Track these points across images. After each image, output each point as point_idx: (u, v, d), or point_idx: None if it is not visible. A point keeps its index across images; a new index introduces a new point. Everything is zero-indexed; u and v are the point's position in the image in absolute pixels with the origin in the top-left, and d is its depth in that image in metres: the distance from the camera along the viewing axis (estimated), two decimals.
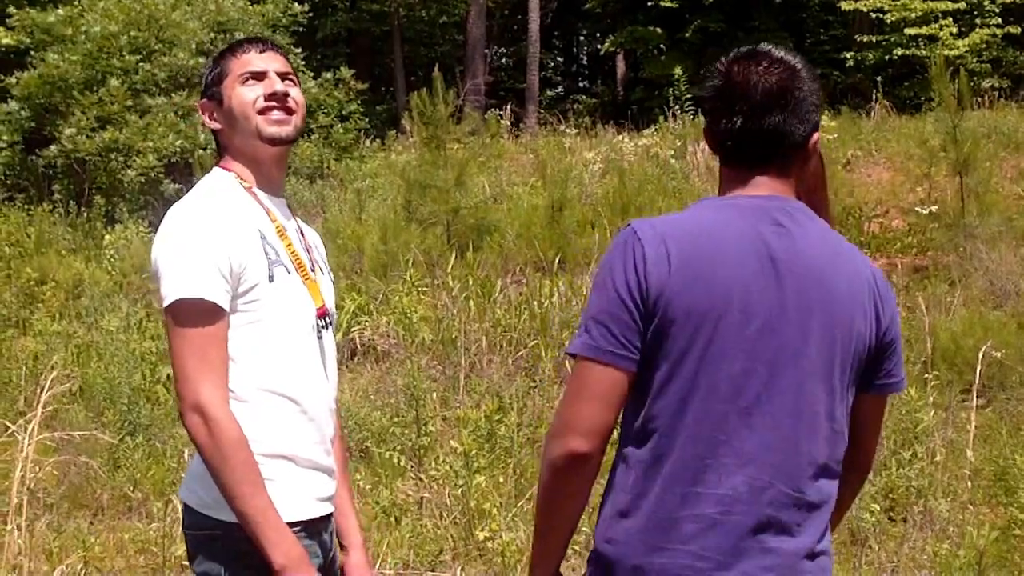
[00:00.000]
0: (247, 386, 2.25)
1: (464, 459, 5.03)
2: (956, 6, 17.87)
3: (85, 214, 12.40)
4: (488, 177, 12.68)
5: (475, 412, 5.63)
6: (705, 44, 20.86)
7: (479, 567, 4.77)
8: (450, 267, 8.97)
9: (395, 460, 5.51)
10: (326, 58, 23.58)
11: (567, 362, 6.48)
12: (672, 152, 13.48)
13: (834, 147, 12.45)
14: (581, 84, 32.65)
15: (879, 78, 17.16)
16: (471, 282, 8.63)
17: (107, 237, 11.24)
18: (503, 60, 31.36)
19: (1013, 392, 6.67)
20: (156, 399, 6.96)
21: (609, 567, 1.93)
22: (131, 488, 5.77)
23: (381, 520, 4.98)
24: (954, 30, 17.53)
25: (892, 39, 18.32)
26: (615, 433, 1.97)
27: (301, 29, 16.91)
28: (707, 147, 2.12)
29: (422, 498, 5.31)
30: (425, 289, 8.32)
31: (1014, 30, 17.95)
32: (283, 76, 2.40)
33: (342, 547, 2.51)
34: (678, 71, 15.49)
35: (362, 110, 16.31)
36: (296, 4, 15.95)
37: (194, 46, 13.65)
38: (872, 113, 15.71)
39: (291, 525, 2.22)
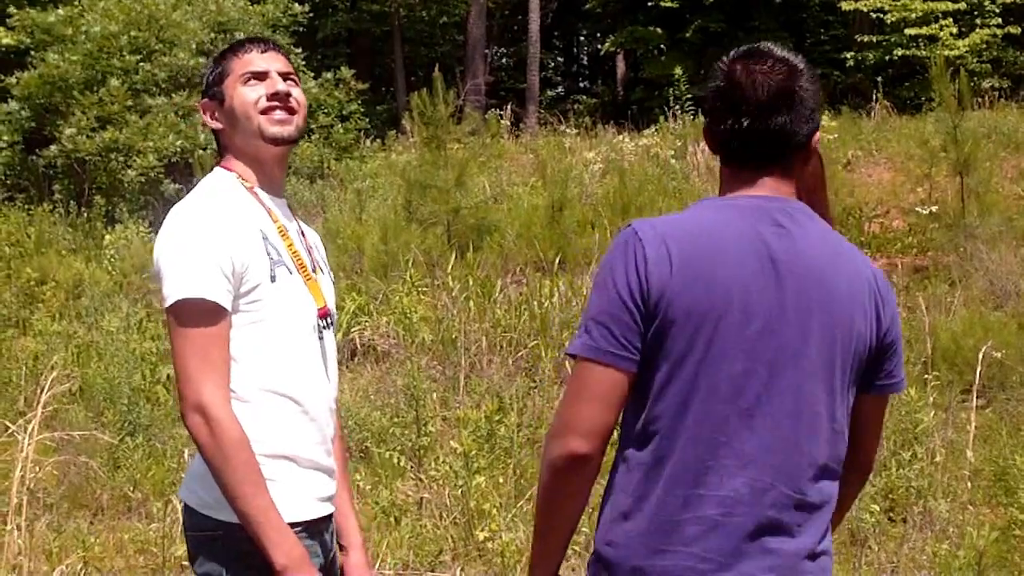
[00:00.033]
0: (249, 386, 2.25)
1: (464, 459, 5.03)
2: (956, 6, 17.87)
3: (85, 214, 12.40)
4: (488, 177, 12.68)
5: (475, 412, 5.63)
6: (705, 44, 20.86)
7: (479, 567, 4.77)
8: (450, 267, 8.97)
9: (395, 460, 5.51)
10: (326, 58, 23.58)
11: (567, 362, 6.48)
12: (672, 152, 13.48)
13: (834, 147, 12.45)
14: (581, 84, 32.65)
15: (879, 78, 17.15)
16: (471, 282, 8.63)
17: (107, 237, 11.24)
18: (503, 60, 31.36)
19: (1013, 392, 6.67)
20: (156, 399, 6.96)
21: (610, 569, 1.93)
22: (131, 488, 5.77)
23: (381, 520, 4.98)
24: (954, 30, 17.53)
25: (892, 39, 18.33)
26: (615, 434, 1.97)
27: (301, 29, 16.92)
28: (707, 147, 2.11)
29: (422, 498, 5.31)
30: (425, 289, 8.32)
31: (1014, 30, 17.95)
32: (285, 76, 2.40)
33: (341, 547, 2.51)
34: (678, 71, 15.49)
35: (362, 110, 16.32)
36: (296, 4, 15.95)
37: (194, 46, 13.65)
38: (872, 113, 15.71)
39: (292, 525, 2.22)
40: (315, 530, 2.33)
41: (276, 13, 15.41)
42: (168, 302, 2.21)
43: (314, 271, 2.42)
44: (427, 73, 12.59)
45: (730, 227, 1.92)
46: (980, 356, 5.60)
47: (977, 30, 17.78)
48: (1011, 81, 17.81)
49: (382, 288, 8.82)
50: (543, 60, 26.94)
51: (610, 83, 28.63)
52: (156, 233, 2.31)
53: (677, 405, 1.88)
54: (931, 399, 5.97)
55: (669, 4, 21.14)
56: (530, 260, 9.81)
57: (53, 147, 12.80)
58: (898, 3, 18.05)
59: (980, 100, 14.54)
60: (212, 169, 2.45)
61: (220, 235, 2.22)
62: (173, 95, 13.24)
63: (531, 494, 5.10)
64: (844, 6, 18.96)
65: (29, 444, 4.43)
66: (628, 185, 11.35)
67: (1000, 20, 18.15)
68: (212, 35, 14.08)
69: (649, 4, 21.59)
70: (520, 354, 7.51)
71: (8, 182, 13.41)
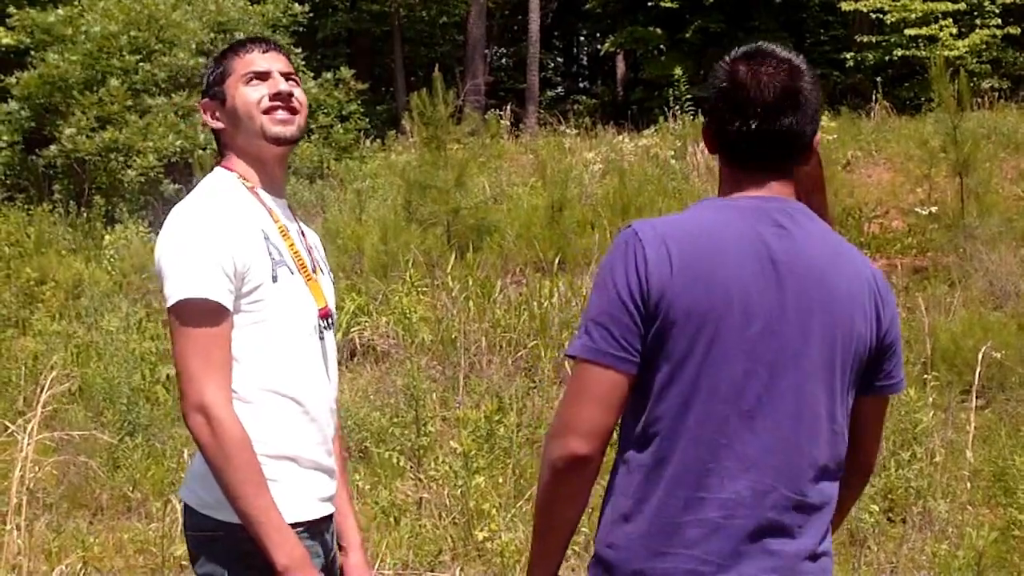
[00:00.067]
0: (250, 386, 2.25)
1: (463, 459, 5.03)
2: (956, 7, 17.88)
3: (85, 214, 12.40)
4: (488, 177, 12.68)
5: (474, 412, 5.64)
6: (705, 44, 20.87)
7: (478, 567, 4.77)
8: (450, 267, 8.97)
9: (394, 460, 5.51)
10: (326, 58, 23.57)
11: (567, 363, 6.48)
12: (672, 153, 13.49)
13: (834, 148, 12.45)
14: (581, 84, 32.66)
15: (879, 79, 17.16)
16: (471, 282, 8.64)
17: (107, 237, 11.24)
18: (503, 60, 31.37)
19: (1013, 393, 6.68)
20: (155, 399, 6.96)
21: (611, 572, 1.92)
22: (130, 488, 5.77)
23: (380, 520, 4.98)
24: (954, 31, 17.54)
25: (892, 40, 18.33)
26: (614, 435, 1.97)
27: (301, 29, 16.91)
28: (705, 147, 2.10)
29: (421, 498, 5.31)
30: (425, 289, 8.32)
31: (1014, 31, 17.96)
32: (286, 76, 2.40)
33: (340, 547, 2.51)
34: (678, 71, 15.49)
35: (362, 110, 16.32)
36: (296, 4, 15.95)
37: (194, 46, 13.65)
38: (872, 114, 15.72)
39: (294, 526, 2.23)
40: (316, 530, 2.33)
41: (276, 13, 15.41)
42: (170, 302, 2.20)
43: (314, 271, 2.42)
44: (427, 73, 12.59)
45: (730, 228, 1.92)
46: (980, 357, 5.60)
47: (977, 31, 17.79)
48: (1011, 82, 17.83)
49: (382, 288, 8.83)
50: (543, 60, 26.95)
51: (610, 83, 28.64)
52: (156, 233, 2.32)
53: (678, 407, 1.88)
54: (930, 399, 5.97)
55: (669, 4, 21.15)
56: (530, 260, 9.82)
57: (53, 147, 12.79)
58: (898, 3, 18.06)
59: (980, 101, 14.54)
60: (212, 169, 2.44)
61: (222, 235, 2.22)
62: (173, 95, 13.23)
63: (530, 494, 5.10)
64: (844, 6, 18.96)
65: (29, 444, 4.43)
66: (628, 185, 11.35)
67: (1000, 21, 18.16)
68: (212, 35, 14.08)
69: (649, 4, 21.60)
70: (520, 354, 7.51)
71: (8, 182, 13.40)
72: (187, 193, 2.38)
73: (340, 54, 25.79)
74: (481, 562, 4.78)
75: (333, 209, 12.18)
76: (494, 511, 4.82)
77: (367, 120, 16.69)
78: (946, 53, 14.36)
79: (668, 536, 1.87)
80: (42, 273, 10.20)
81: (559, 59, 33.83)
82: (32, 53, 13.77)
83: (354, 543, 2.54)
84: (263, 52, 2.40)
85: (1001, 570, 4.50)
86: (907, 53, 17.86)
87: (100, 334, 8.13)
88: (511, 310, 8.22)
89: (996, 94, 16.32)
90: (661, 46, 23.04)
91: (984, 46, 17.66)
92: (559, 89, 30.50)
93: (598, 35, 29.39)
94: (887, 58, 18.46)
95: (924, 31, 17.66)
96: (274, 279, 2.28)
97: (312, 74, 15.91)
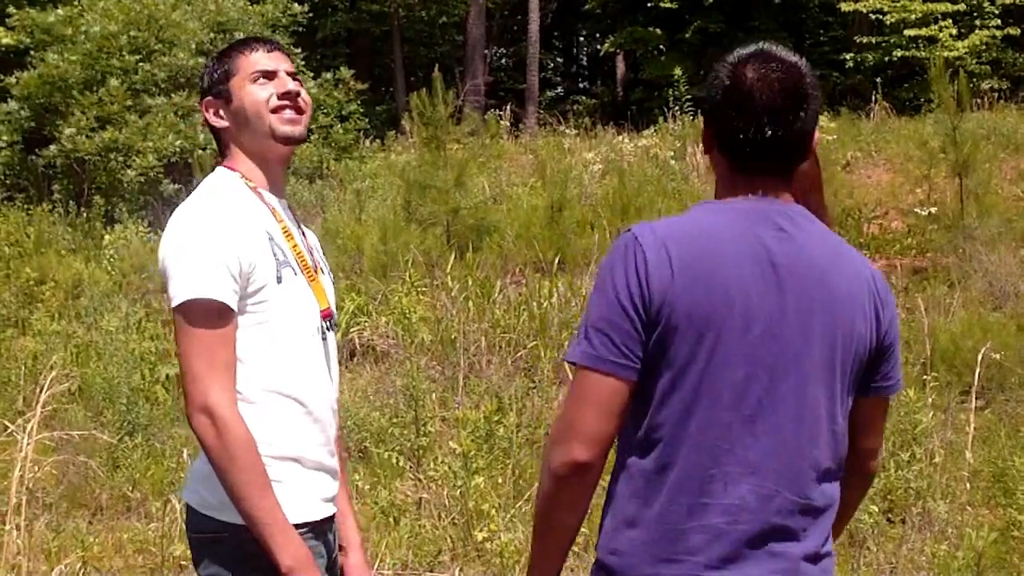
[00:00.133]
0: (254, 387, 2.25)
1: (463, 460, 5.03)
2: (956, 8, 17.89)
3: (85, 214, 12.40)
4: (488, 178, 12.68)
5: (474, 413, 5.64)
6: (705, 45, 20.88)
7: (477, 568, 4.77)
8: (449, 267, 8.97)
9: (394, 460, 5.51)
10: (326, 58, 23.57)
11: (566, 365, 6.48)
12: (672, 153, 13.50)
13: (834, 148, 12.45)
14: (581, 85, 32.66)
15: (879, 79, 17.17)
16: (470, 283, 8.64)
17: (107, 237, 11.23)
18: (503, 60, 31.36)
19: (1012, 394, 6.68)
20: (155, 399, 6.96)
21: None
22: (130, 488, 5.77)
23: (380, 520, 4.98)
24: (954, 31, 17.55)
25: (892, 40, 18.35)
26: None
27: (301, 29, 16.91)
28: (703, 147, 2.08)
29: (421, 499, 5.32)
30: (424, 289, 8.32)
31: (1014, 31, 17.97)
32: (291, 76, 2.40)
33: (340, 548, 2.51)
34: (678, 72, 15.50)
35: (362, 110, 16.32)
36: (296, 4, 15.95)
37: (194, 46, 13.65)
38: (871, 114, 15.73)
39: (298, 526, 2.23)
40: (320, 531, 2.33)
41: (275, 13, 15.40)
42: (175, 302, 2.20)
43: (316, 272, 2.42)
44: (427, 73, 12.59)
45: (729, 230, 1.91)
46: (979, 357, 5.60)
47: (976, 31, 17.80)
48: (1010, 82, 17.84)
49: (381, 288, 8.83)
50: (543, 60, 26.95)
51: (610, 84, 28.64)
52: (156, 233, 2.32)
53: (680, 412, 1.87)
54: (930, 400, 5.97)
55: (669, 5, 21.16)
56: (529, 260, 9.82)
57: (53, 147, 12.79)
58: (897, 4, 18.07)
59: (979, 101, 14.55)
60: (213, 168, 2.43)
61: (227, 235, 2.21)
62: (173, 95, 13.24)
63: (530, 495, 5.10)
64: (843, 7, 18.97)
65: (28, 444, 4.43)
66: (627, 186, 11.35)
67: (999, 21, 18.17)
68: (212, 35, 14.08)
69: (649, 4, 21.61)
70: (519, 354, 7.52)
71: (8, 182, 13.40)
72: (187, 193, 2.37)
73: (340, 54, 25.79)
74: (480, 562, 4.78)
75: (333, 209, 12.18)
76: (493, 511, 4.82)
77: (367, 120, 16.69)
78: (946, 54, 14.37)
79: (672, 542, 1.87)
80: (42, 273, 10.20)
81: (559, 59, 33.83)
82: (32, 53, 13.77)
83: (354, 543, 2.54)
84: (268, 52, 2.40)
85: (1000, 571, 4.50)
86: (907, 54, 17.87)
87: (100, 334, 8.13)
88: (511, 310, 8.22)
89: (996, 95, 16.33)
90: (661, 46, 23.05)
91: (984, 47, 17.68)
92: (559, 89, 30.50)
93: (598, 35, 29.39)
94: (887, 59, 18.47)
95: (924, 32, 17.67)
96: (278, 280, 2.28)
97: (312, 74, 15.91)
